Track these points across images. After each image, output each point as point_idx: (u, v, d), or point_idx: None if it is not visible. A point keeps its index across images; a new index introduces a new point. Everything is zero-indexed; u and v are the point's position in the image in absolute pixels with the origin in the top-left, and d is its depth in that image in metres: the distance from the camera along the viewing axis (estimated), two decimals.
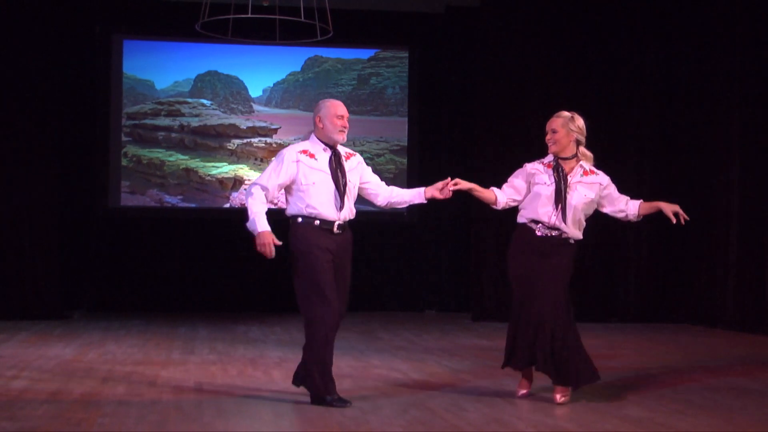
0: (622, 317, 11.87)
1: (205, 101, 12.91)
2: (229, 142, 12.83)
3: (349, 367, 7.64)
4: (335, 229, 6.00)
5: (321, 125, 6.09)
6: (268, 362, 7.89)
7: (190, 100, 12.87)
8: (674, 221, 6.29)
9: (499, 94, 11.81)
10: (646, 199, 6.60)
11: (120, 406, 5.88)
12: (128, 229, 12.54)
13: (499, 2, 11.90)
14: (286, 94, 13.06)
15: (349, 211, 6.09)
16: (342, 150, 6.16)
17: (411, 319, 11.88)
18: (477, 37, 12.18)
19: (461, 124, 12.89)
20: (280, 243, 5.89)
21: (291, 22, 9.36)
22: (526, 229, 6.33)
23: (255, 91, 13.03)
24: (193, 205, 12.73)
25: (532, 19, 11.86)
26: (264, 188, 6.02)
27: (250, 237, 5.91)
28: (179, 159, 12.78)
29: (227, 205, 12.75)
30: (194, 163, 12.77)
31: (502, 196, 6.45)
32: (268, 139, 12.87)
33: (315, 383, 5.98)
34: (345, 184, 6.05)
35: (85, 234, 12.34)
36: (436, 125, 13.12)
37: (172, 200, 12.73)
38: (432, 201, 6.40)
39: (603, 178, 6.39)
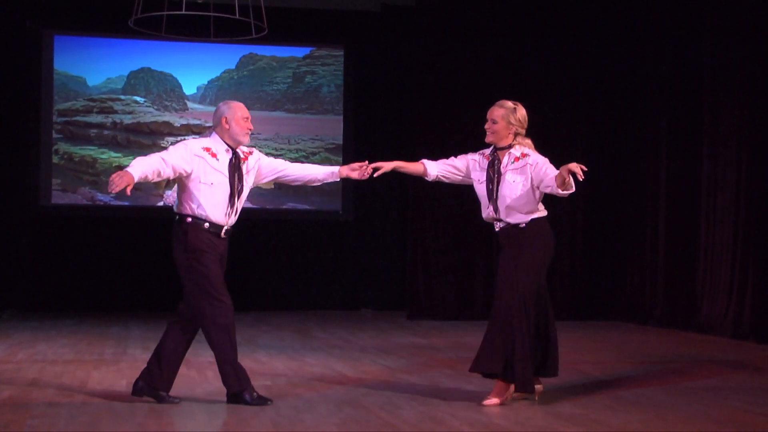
0: (555, 315, 11.94)
1: (138, 98, 12.76)
2: (163, 139, 12.71)
3: (284, 366, 7.62)
4: (222, 234, 5.98)
5: (227, 126, 6.00)
6: (201, 362, 7.82)
7: (123, 97, 12.72)
8: (576, 180, 5.85)
9: (434, 92, 11.86)
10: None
11: (50, 408, 5.79)
12: (59, 228, 12.36)
13: (434, 0, 11.95)
14: (220, 92, 12.96)
15: (236, 217, 6.06)
16: (240, 150, 6.09)
17: (346, 318, 11.87)
18: (412, 36, 12.22)
19: (396, 123, 12.92)
20: (129, 194, 5.58)
21: (225, 20, 9.29)
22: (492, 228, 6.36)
23: (189, 89, 12.92)
24: (125, 203, 12.58)
25: (467, 17, 11.92)
26: (165, 161, 5.80)
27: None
28: (112, 156, 12.63)
29: (161, 203, 12.62)
30: (127, 161, 12.38)
31: (433, 168, 6.36)
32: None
33: (230, 382, 5.96)
34: (240, 190, 6.02)
35: (15, 232, 12.13)
36: (372, 124, 13.13)
37: (105, 198, 12.57)
38: (347, 180, 6.42)
39: (534, 158, 6.13)
